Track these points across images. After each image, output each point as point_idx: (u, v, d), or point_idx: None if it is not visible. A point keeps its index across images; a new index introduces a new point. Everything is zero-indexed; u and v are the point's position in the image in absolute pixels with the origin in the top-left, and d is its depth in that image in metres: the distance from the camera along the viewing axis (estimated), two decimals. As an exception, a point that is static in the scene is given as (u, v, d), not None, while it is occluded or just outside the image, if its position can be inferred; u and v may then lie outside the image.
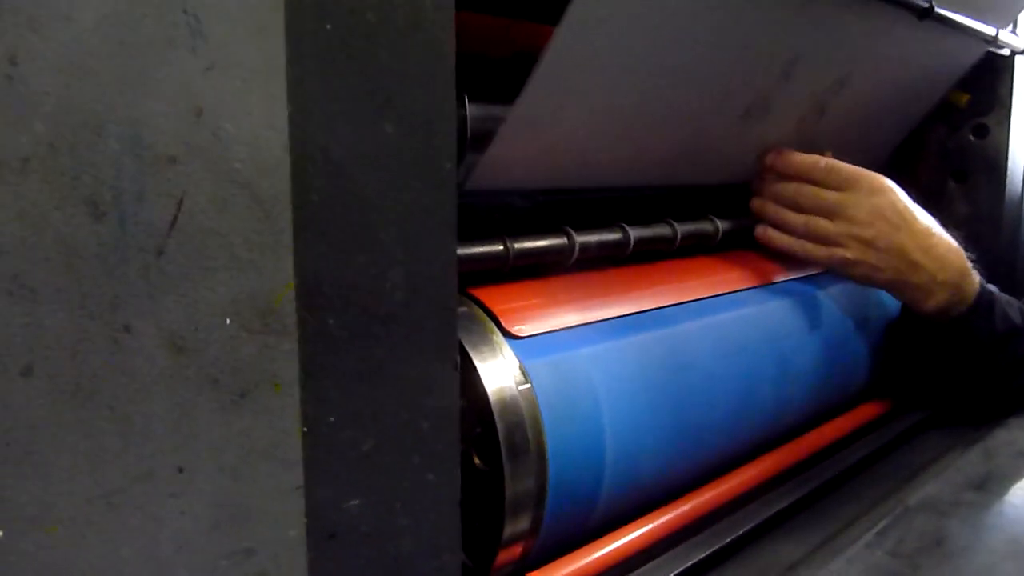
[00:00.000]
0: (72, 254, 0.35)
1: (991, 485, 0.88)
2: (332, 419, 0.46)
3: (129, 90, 0.36)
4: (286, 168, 0.41)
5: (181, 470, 0.40)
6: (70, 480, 0.37)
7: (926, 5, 0.94)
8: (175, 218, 0.37)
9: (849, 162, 0.95)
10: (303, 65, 0.42)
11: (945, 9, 0.98)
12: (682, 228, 0.91)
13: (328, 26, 0.42)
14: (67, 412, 0.36)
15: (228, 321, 0.40)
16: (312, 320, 0.44)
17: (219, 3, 0.38)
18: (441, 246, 0.50)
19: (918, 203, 0.96)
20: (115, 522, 0.38)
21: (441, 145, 0.49)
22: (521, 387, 0.66)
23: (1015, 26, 1.28)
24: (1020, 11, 1.22)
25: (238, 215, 0.40)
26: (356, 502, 0.48)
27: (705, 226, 0.96)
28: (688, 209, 0.96)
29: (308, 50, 0.42)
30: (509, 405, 0.65)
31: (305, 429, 0.44)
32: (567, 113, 0.72)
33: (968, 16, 1.04)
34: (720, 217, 0.97)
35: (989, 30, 1.12)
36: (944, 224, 0.98)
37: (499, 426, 0.64)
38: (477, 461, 0.66)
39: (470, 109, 0.72)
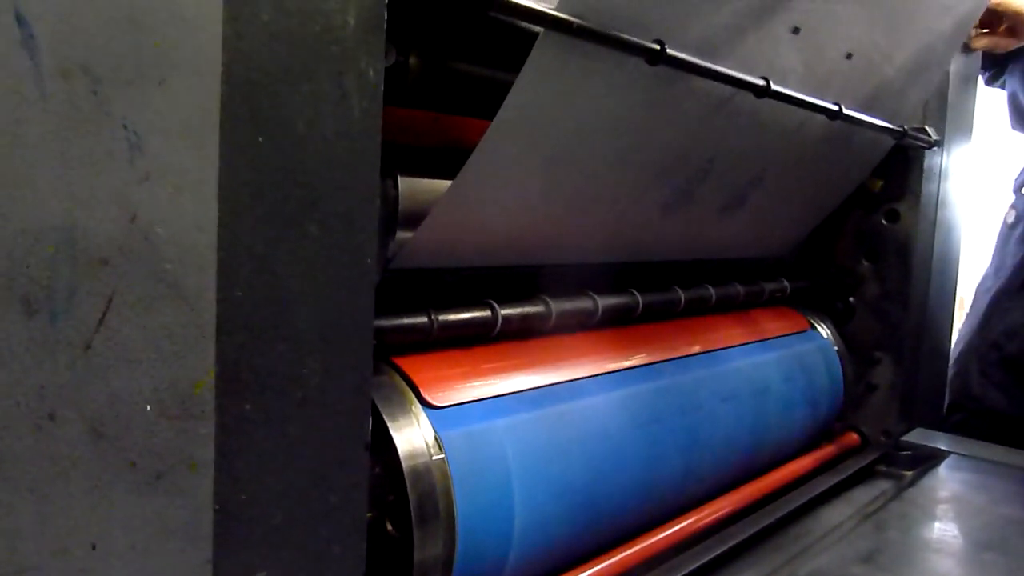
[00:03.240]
0: (3, 347, 0.38)
1: (880, 559, 0.94)
2: (244, 497, 0.49)
3: (67, 199, 0.39)
4: (212, 266, 0.45)
5: (94, 547, 0.42)
6: (-15, 556, 0.39)
7: (835, 108, 1.02)
8: (104, 315, 0.41)
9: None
10: (235, 173, 0.46)
11: (853, 110, 1.06)
12: (603, 301, 0.96)
13: (260, 138, 0.46)
14: (-12, 493, 0.39)
15: (148, 408, 0.43)
16: (230, 405, 0.47)
17: (158, 119, 0.42)
18: (358, 335, 0.54)
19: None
20: (27, 596, 0.41)
21: (362, 242, 0.53)
22: (435, 457, 0.70)
23: (925, 118, 1.39)
24: (918, 107, 1.32)
25: (164, 311, 0.43)
26: (263, 574, 0.50)
27: (626, 299, 1.01)
28: (614, 283, 1.01)
29: (241, 160, 0.46)
30: (422, 475, 0.69)
31: (217, 507, 0.47)
32: (497, 198, 0.77)
33: (874, 116, 1.12)
34: (641, 291, 1.03)
35: (898, 127, 1.21)
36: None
37: (411, 496, 0.67)
38: (389, 527, 0.69)
39: (402, 186, 0.77)
